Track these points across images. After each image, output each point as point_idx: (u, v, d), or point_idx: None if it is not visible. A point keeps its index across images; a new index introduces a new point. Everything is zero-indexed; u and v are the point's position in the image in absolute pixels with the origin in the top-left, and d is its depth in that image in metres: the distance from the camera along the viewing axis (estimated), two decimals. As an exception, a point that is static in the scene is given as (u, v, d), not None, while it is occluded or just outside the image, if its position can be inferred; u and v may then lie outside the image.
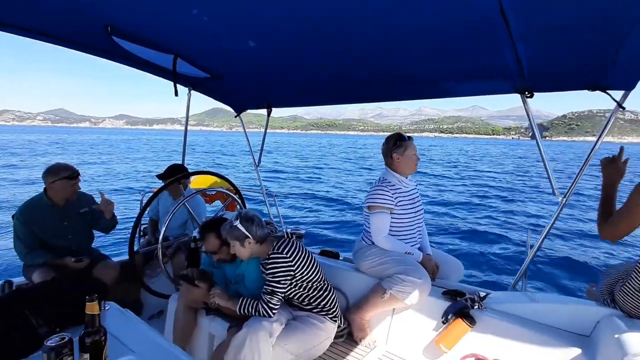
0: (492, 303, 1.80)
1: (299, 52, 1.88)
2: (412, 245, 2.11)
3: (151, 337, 1.31)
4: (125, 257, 2.88)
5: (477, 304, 1.77)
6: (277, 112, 3.39)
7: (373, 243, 2.14)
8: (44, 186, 2.40)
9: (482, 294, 1.83)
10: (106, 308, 1.44)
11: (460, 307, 1.77)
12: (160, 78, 2.76)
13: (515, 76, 1.72)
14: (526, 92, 1.84)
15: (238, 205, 3.13)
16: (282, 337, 1.71)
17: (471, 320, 1.70)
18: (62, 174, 2.35)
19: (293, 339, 1.73)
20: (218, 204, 4.52)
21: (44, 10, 1.65)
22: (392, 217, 2.10)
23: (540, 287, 5.53)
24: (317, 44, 1.75)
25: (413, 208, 2.17)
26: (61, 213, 2.43)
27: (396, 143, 2.13)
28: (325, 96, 2.91)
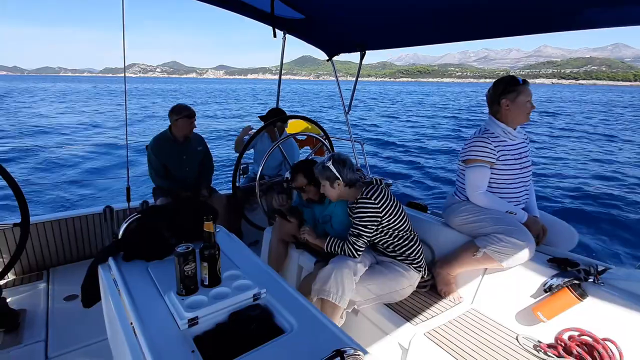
0: (613, 279, 1.55)
1: None
2: (515, 205, 1.90)
3: (252, 258, 1.48)
4: (228, 192, 3.27)
5: (592, 277, 1.54)
6: (365, 58, 3.23)
7: (467, 199, 1.98)
8: (169, 123, 2.81)
9: (601, 268, 1.59)
10: (217, 230, 1.66)
11: (569, 278, 1.57)
12: (256, 25, 2.83)
13: None
14: None
15: (327, 151, 3.20)
16: (365, 278, 1.78)
17: (581, 293, 1.50)
18: (183, 113, 2.72)
19: (375, 281, 1.79)
20: (307, 149, 4.70)
21: None
22: (492, 173, 1.89)
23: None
24: None
25: (519, 164, 1.91)
26: (181, 148, 2.83)
27: (506, 87, 1.83)
28: (426, 35, 2.61)
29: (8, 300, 2.07)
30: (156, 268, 1.36)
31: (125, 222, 1.54)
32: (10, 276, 2.52)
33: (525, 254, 1.72)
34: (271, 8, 2.43)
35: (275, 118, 3.04)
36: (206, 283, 1.19)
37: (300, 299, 1.20)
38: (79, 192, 7.67)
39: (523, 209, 1.94)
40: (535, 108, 1.88)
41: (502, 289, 1.83)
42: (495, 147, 1.85)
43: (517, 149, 1.91)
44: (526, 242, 1.71)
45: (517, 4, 1.78)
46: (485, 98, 1.97)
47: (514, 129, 1.89)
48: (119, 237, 1.51)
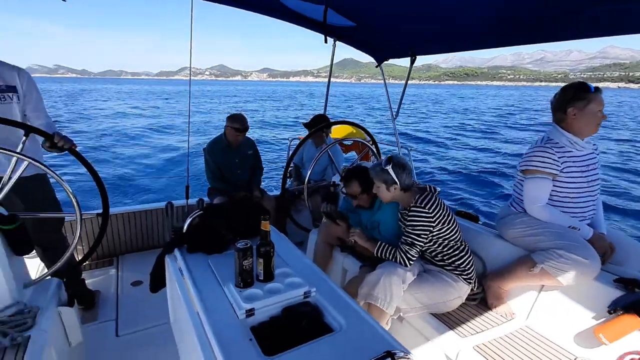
0: None
1: None
2: (580, 221, 1.78)
3: (301, 258, 1.55)
4: (275, 193, 3.40)
5: (667, 302, 1.40)
6: (408, 61, 3.16)
7: (525, 211, 1.89)
8: (224, 129, 3.00)
9: (678, 293, 1.44)
10: None
11: (637, 299, 1.44)
12: (300, 28, 2.92)
13: None
14: None
15: (374, 157, 3.21)
16: (413, 286, 1.76)
17: (653, 319, 1.37)
18: (234, 125, 2.88)
19: (423, 290, 1.77)
20: (353, 154, 4.73)
21: None
22: (556, 185, 1.78)
23: None
24: None
25: (585, 177, 1.77)
26: (233, 151, 3.01)
27: (576, 94, 1.71)
28: (478, 40, 2.53)
29: (86, 282, 2.35)
30: (215, 260, 1.47)
31: (190, 218, 1.68)
32: (88, 261, 2.85)
33: (587, 272, 1.60)
34: (324, 17, 2.51)
35: (319, 126, 3.08)
36: (261, 278, 1.28)
37: (348, 300, 1.24)
38: (144, 187, 8.39)
39: (589, 224, 1.81)
40: (606, 118, 1.75)
41: (560, 307, 1.72)
42: (559, 157, 1.74)
43: (584, 160, 1.78)
44: (589, 259, 1.59)
45: (578, 6, 1.67)
46: (549, 104, 1.87)
47: (582, 139, 1.77)
48: (184, 231, 1.66)
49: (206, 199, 3.13)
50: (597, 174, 1.82)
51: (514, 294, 1.88)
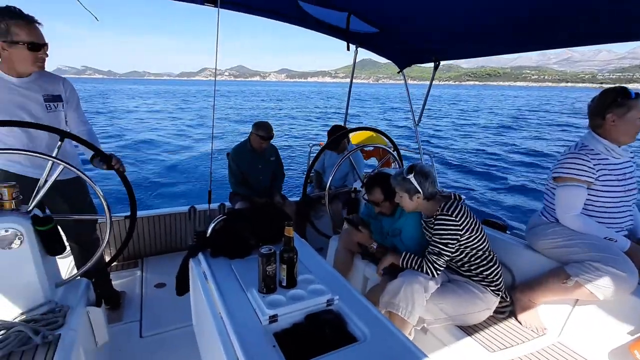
0: None
1: None
2: (617, 232, 1.68)
3: (323, 265, 1.53)
4: (295, 199, 3.41)
5: None
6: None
7: (557, 221, 1.81)
8: (249, 135, 3.04)
9: None
10: None
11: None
12: (326, 36, 2.94)
13: None
14: None
15: (396, 163, 3.17)
16: (436, 296, 1.71)
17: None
18: (259, 132, 2.92)
19: (448, 300, 1.71)
20: (374, 160, 4.69)
21: None
22: (590, 194, 1.69)
23: None
24: None
25: (622, 186, 1.69)
26: (257, 158, 3.05)
27: (616, 100, 1.63)
28: (504, 44, 2.47)
29: (113, 283, 2.42)
30: (238, 265, 1.48)
31: (213, 222, 1.71)
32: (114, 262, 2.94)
33: (625, 286, 1.51)
34: (347, 24, 2.52)
35: (335, 135, 3.08)
36: (284, 284, 1.27)
37: (371, 309, 1.21)
38: (167, 191, 8.62)
39: (626, 236, 1.71)
40: None
41: (595, 322, 1.63)
42: (594, 165, 1.66)
43: (621, 168, 1.69)
44: (627, 272, 1.50)
45: (607, 7, 1.59)
46: (587, 108, 1.78)
47: (619, 147, 1.68)
48: (207, 235, 1.68)
49: (227, 203, 3.17)
50: (635, 182, 1.72)
51: (546, 308, 1.79)
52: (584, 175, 1.67)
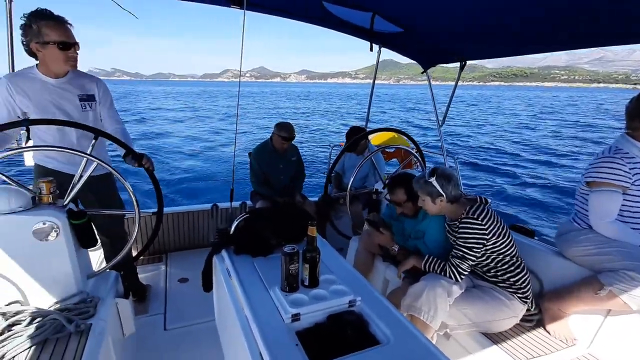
0: None
1: None
2: None
3: (345, 265, 1.53)
4: (315, 199, 3.42)
5: None
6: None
7: (590, 227, 1.73)
8: (271, 135, 3.08)
9: None
10: None
11: None
12: (347, 36, 2.93)
13: None
14: None
15: (418, 164, 3.12)
16: (460, 301, 1.67)
17: None
18: (281, 133, 2.95)
19: (473, 306, 1.67)
20: (395, 161, 4.64)
21: None
22: (625, 200, 1.61)
23: None
24: None
25: None
26: (278, 157, 3.08)
27: None
28: (531, 43, 2.39)
29: (139, 276, 2.50)
30: (261, 263, 1.50)
31: (236, 220, 1.73)
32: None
33: None
34: (371, 24, 2.50)
35: (354, 138, 3.06)
36: (306, 283, 1.27)
37: (394, 311, 1.20)
38: (188, 188, 8.84)
39: (666, 244, 1.61)
40: None
41: (628, 334, 1.54)
42: (630, 169, 1.58)
43: None
44: None
45: (607, 7, 1.51)
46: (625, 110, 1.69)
47: None
48: (231, 233, 1.71)
49: (249, 202, 3.22)
50: None
51: (576, 318, 1.72)
52: (620, 180, 1.59)
